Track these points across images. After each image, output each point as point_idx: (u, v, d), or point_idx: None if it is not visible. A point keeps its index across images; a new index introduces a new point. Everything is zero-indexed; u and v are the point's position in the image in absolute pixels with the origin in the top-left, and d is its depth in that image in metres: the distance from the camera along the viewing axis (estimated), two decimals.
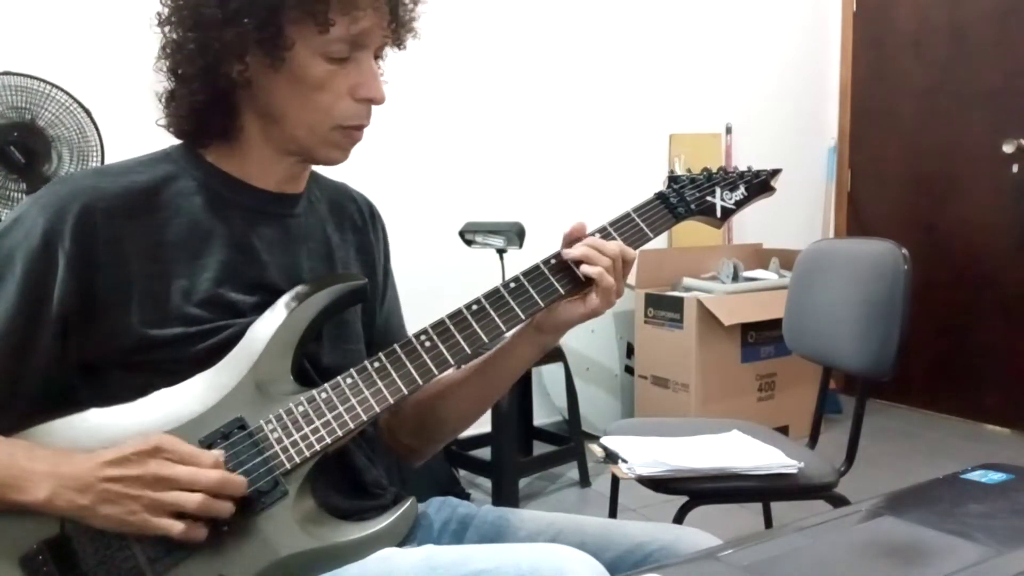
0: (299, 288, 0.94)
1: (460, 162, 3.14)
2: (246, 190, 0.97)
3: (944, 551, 0.70)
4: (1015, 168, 3.35)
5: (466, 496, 2.63)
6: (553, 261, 0.97)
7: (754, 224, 3.76)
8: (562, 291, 0.97)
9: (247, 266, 0.94)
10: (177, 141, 0.99)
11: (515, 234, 2.51)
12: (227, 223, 0.94)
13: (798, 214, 3.93)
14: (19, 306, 0.86)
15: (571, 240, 0.99)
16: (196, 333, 0.89)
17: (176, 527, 0.80)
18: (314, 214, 1.04)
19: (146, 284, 0.89)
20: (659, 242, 3.60)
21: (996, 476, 0.85)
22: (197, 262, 0.92)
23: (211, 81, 0.90)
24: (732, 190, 1.05)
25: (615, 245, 0.97)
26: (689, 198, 1.03)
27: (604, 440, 1.70)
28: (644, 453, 1.59)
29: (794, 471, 1.56)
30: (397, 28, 0.94)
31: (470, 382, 1.07)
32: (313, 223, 1.03)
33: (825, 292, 1.82)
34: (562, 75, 3.33)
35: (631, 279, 3.25)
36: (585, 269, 0.95)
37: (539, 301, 0.96)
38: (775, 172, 1.08)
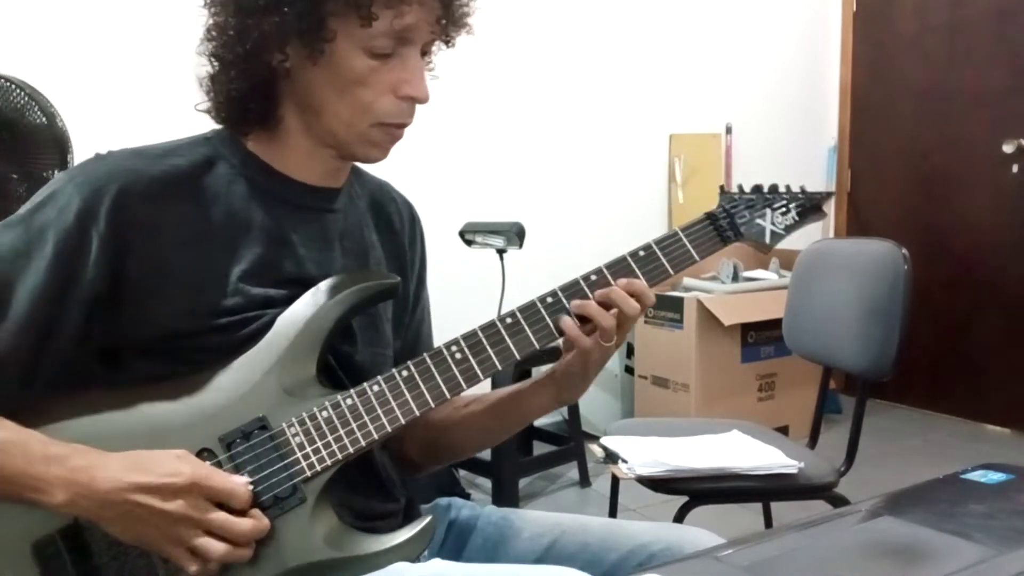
0: (329, 282, 0.91)
1: (460, 162, 3.13)
2: (285, 182, 0.94)
3: (944, 551, 0.70)
4: (1015, 168, 3.35)
5: (466, 496, 2.63)
6: (594, 278, 0.93)
7: None
8: None
9: (282, 260, 0.92)
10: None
11: (515, 234, 2.51)
12: (265, 215, 0.92)
13: None
14: (47, 285, 0.83)
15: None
16: (226, 325, 0.87)
17: (192, 567, 0.79)
18: (353, 211, 1.02)
19: (179, 272, 0.86)
20: None
21: (996, 476, 0.85)
22: (233, 253, 0.89)
23: (250, 69, 0.88)
24: (783, 213, 1.00)
25: (611, 318, 0.91)
26: (739, 221, 0.97)
27: (604, 440, 1.70)
28: (644, 453, 1.59)
29: (794, 471, 1.56)
30: (447, 24, 0.92)
31: (484, 416, 1.04)
32: (352, 220, 1.01)
33: (825, 292, 1.82)
34: (562, 75, 3.33)
35: None
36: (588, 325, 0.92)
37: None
38: (828, 195, 1.03)
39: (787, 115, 3.93)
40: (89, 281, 0.84)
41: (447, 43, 0.95)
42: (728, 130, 3.77)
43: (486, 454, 2.68)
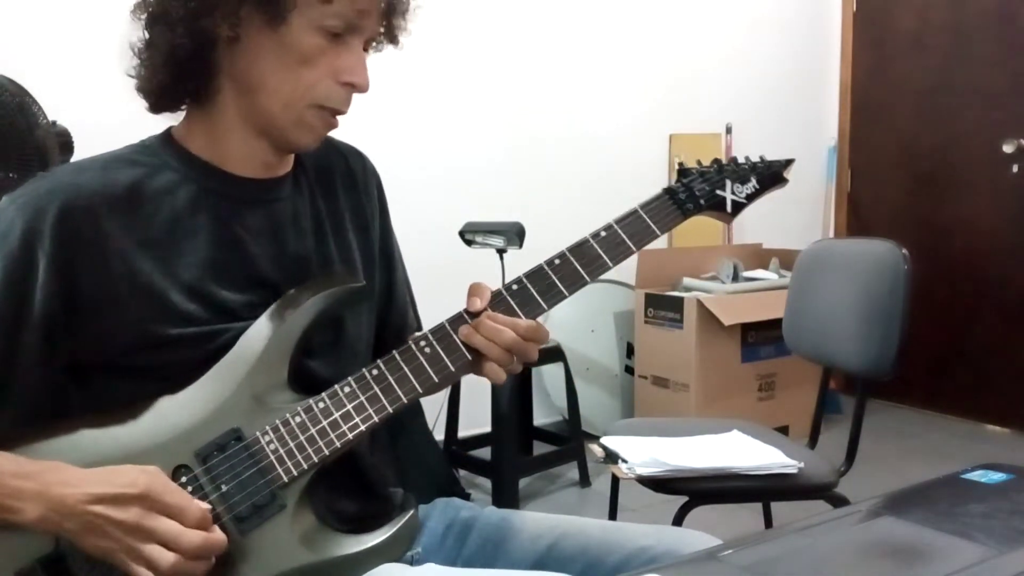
0: (293, 292, 0.91)
1: (460, 162, 3.13)
2: (228, 180, 0.93)
3: (944, 551, 0.70)
4: (1015, 168, 3.35)
5: (466, 496, 2.63)
6: (557, 262, 0.93)
7: (754, 224, 3.76)
8: (567, 294, 0.94)
9: (235, 261, 0.91)
10: (146, 134, 0.95)
11: (515, 234, 2.51)
12: (211, 216, 0.91)
13: (798, 214, 3.93)
14: (1, 311, 0.82)
15: (474, 297, 0.92)
16: (191, 336, 0.87)
17: None
18: (300, 192, 0.99)
19: (130, 282, 0.86)
20: (659, 242, 3.59)
21: (996, 476, 0.85)
22: (183, 259, 0.88)
23: (193, 32, 0.85)
24: (743, 183, 1.00)
25: (510, 336, 0.89)
26: (698, 192, 0.98)
27: (604, 440, 1.70)
28: (644, 453, 1.59)
29: (794, 471, 1.56)
30: (393, 18, 0.92)
31: None
32: (300, 201, 0.99)
33: (825, 292, 1.82)
34: (562, 75, 3.33)
35: (631, 279, 3.25)
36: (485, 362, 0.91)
37: (542, 304, 0.93)
38: (788, 162, 1.04)
39: (787, 115, 3.93)
40: (41, 302, 0.83)
41: (389, 40, 0.95)
42: (728, 130, 3.77)
43: (486, 454, 2.68)
